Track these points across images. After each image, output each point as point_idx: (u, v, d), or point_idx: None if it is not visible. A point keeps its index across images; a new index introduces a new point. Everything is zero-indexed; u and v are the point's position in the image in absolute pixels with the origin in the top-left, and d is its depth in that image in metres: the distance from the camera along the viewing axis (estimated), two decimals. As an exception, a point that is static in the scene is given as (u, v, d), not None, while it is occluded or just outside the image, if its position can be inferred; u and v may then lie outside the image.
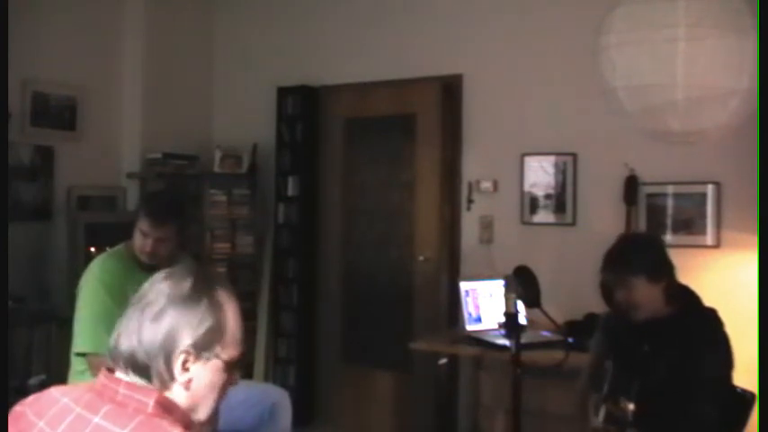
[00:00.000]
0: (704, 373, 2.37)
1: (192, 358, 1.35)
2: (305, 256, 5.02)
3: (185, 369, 1.35)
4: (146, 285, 1.41)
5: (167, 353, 1.34)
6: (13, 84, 4.11)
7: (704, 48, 2.81)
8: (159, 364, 1.33)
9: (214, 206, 5.02)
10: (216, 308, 1.38)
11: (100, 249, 3.78)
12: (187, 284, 1.38)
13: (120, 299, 2.58)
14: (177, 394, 1.35)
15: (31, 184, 4.38)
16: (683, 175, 3.91)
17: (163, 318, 1.34)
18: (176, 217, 2.89)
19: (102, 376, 1.37)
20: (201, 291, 1.38)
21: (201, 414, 1.39)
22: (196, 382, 1.36)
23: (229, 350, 1.39)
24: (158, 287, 1.39)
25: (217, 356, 1.37)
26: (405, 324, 4.68)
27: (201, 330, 1.35)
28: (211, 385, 1.38)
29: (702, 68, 2.81)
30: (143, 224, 2.82)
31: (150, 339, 1.34)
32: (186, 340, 1.34)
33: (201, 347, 1.35)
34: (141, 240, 2.83)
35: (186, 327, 1.35)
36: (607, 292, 3.20)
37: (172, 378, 1.34)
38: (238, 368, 1.42)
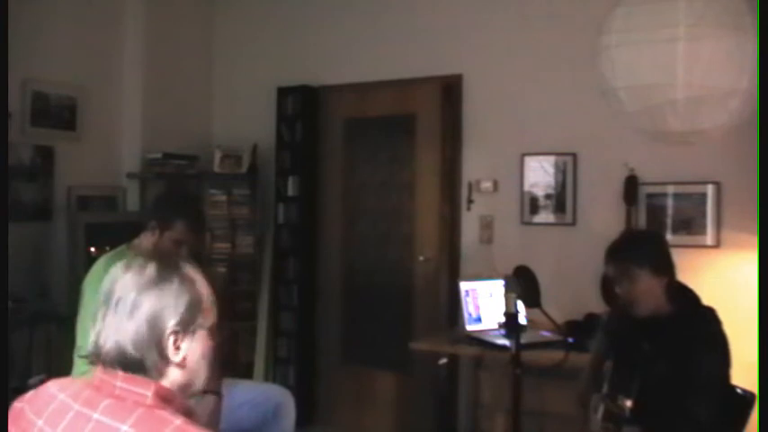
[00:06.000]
0: (702, 372, 2.37)
1: (180, 336, 1.37)
2: (305, 256, 5.02)
3: (177, 348, 1.37)
4: (107, 283, 1.42)
5: (157, 340, 1.35)
6: (13, 84, 4.10)
7: (704, 48, 2.81)
8: (153, 355, 1.35)
9: (214, 206, 5.01)
10: (187, 281, 1.40)
11: (100, 249, 3.79)
12: (151, 269, 1.39)
13: None
14: (175, 375, 1.38)
15: (31, 184, 4.37)
16: (683, 175, 3.91)
17: (140, 308, 1.35)
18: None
19: (99, 372, 1.37)
20: (168, 270, 1.40)
21: (199, 383, 1.44)
22: (190, 357, 1.39)
23: (209, 317, 1.43)
24: (123, 281, 1.39)
25: (201, 327, 1.41)
26: (405, 324, 4.68)
27: (182, 307, 1.38)
28: (203, 355, 1.42)
29: (702, 68, 2.81)
30: (180, 233, 2.78)
31: (135, 333, 1.34)
32: (171, 321, 1.36)
33: (186, 323, 1.38)
34: (172, 247, 2.77)
35: (166, 308, 1.36)
36: (607, 289, 3.21)
37: (168, 363, 1.36)
38: (218, 330, 1.46)
